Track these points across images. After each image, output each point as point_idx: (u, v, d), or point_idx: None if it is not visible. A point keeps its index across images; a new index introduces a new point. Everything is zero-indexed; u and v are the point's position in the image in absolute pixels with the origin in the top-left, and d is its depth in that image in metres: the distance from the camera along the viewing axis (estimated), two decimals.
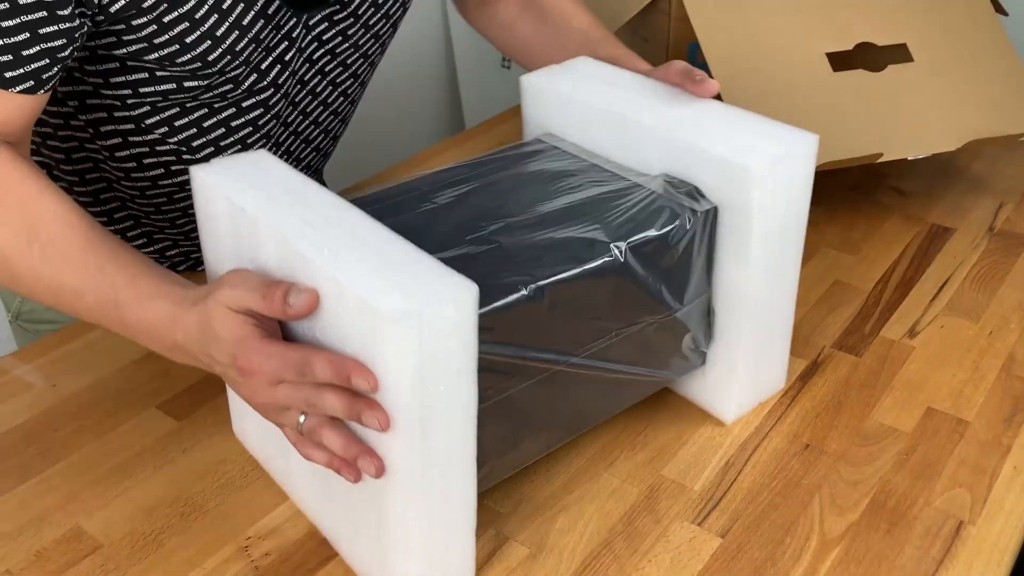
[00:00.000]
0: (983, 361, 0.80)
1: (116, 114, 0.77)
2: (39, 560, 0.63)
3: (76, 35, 0.65)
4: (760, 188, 0.64)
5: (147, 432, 0.73)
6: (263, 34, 0.74)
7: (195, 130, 0.79)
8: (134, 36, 0.69)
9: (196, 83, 0.74)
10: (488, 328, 0.54)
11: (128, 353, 0.81)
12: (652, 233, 0.63)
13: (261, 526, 0.65)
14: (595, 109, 0.73)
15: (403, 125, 1.94)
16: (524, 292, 0.57)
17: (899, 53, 0.99)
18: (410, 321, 0.48)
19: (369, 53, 0.87)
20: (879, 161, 0.94)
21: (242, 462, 0.70)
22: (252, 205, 0.58)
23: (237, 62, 0.74)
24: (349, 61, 0.85)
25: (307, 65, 0.82)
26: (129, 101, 0.76)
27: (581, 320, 0.62)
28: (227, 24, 0.71)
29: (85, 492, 0.68)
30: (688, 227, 0.65)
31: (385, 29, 0.86)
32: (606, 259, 0.61)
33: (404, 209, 0.67)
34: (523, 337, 0.58)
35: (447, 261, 0.53)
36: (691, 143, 0.67)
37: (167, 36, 0.69)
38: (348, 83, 0.88)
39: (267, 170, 0.62)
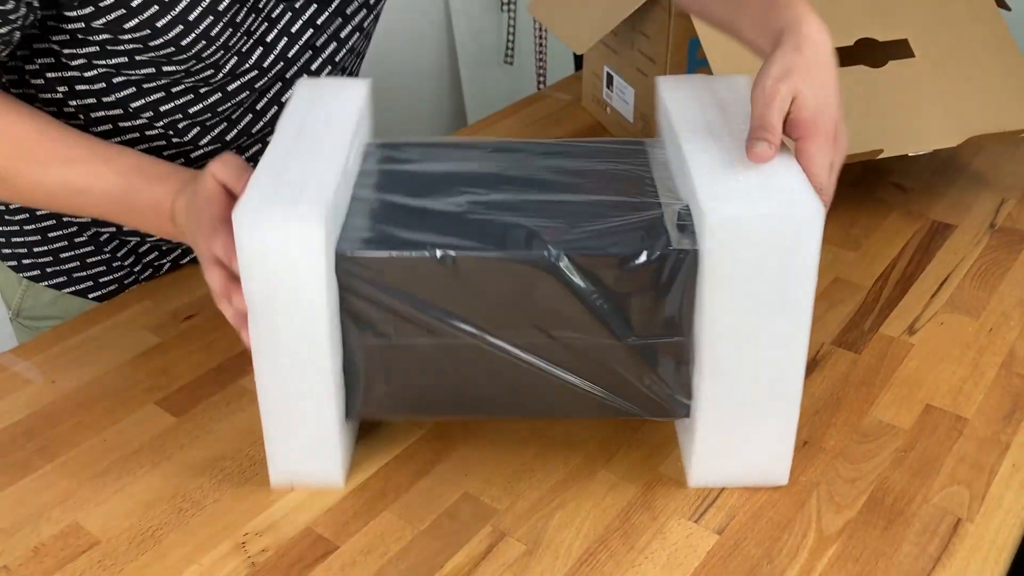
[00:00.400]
0: (983, 358, 0.80)
1: (104, 99, 0.77)
2: (37, 556, 0.63)
3: (12, 16, 0.66)
4: (713, 239, 0.59)
5: (145, 428, 0.73)
6: (239, 17, 0.74)
7: (180, 115, 0.79)
8: (104, 20, 0.69)
9: (175, 68, 0.74)
10: (393, 274, 0.61)
11: (127, 350, 0.81)
12: (607, 250, 0.61)
13: (258, 523, 0.65)
14: (673, 127, 0.71)
15: (405, 120, 1.94)
16: (429, 254, 0.61)
17: (900, 49, 0.99)
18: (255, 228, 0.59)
19: (364, 26, 0.86)
20: (880, 157, 0.94)
21: (240, 458, 0.71)
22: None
23: (214, 47, 0.74)
24: (343, 35, 0.85)
25: (295, 44, 0.81)
26: (115, 80, 0.76)
27: (507, 305, 0.62)
28: (200, 8, 0.71)
29: (83, 488, 0.68)
30: (647, 259, 0.61)
31: None
32: (535, 255, 0.61)
33: (441, 157, 0.72)
34: (432, 295, 0.62)
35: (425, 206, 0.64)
36: (696, 176, 0.63)
37: (137, 20, 0.70)
38: (343, 56, 0.87)
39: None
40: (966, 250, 0.95)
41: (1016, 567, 0.64)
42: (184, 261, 0.94)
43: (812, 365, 0.80)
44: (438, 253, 0.61)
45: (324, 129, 0.68)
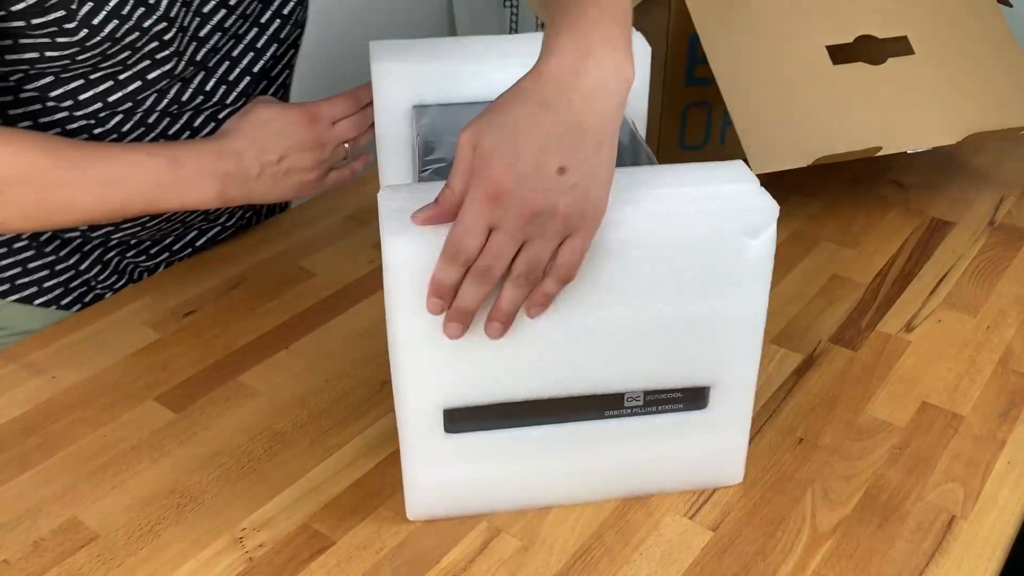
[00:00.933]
0: (980, 356, 0.80)
1: (21, 95, 0.75)
2: (36, 550, 0.64)
3: None
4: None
5: (144, 424, 0.74)
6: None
7: (100, 104, 0.77)
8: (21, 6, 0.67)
9: (91, 53, 0.72)
10: None
11: (126, 346, 0.82)
12: None
13: (255, 518, 0.66)
14: None
15: None
16: None
17: (900, 45, 0.99)
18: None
19: (285, 13, 0.84)
20: (879, 155, 0.94)
21: (238, 454, 0.71)
22: None
23: (126, 27, 0.72)
24: (263, 21, 0.83)
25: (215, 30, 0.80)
26: (30, 72, 0.74)
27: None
28: None
29: (82, 483, 0.69)
30: None
31: None
32: None
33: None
34: None
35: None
36: None
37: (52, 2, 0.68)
38: (266, 41, 0.84)
39: None
40: (965, 247, 0.95)
41: (1009, 564, 0.65)
42: (154, 255, 0.92)
43: (809, 362, 0.80)
44: None
45: None
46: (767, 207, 0.59)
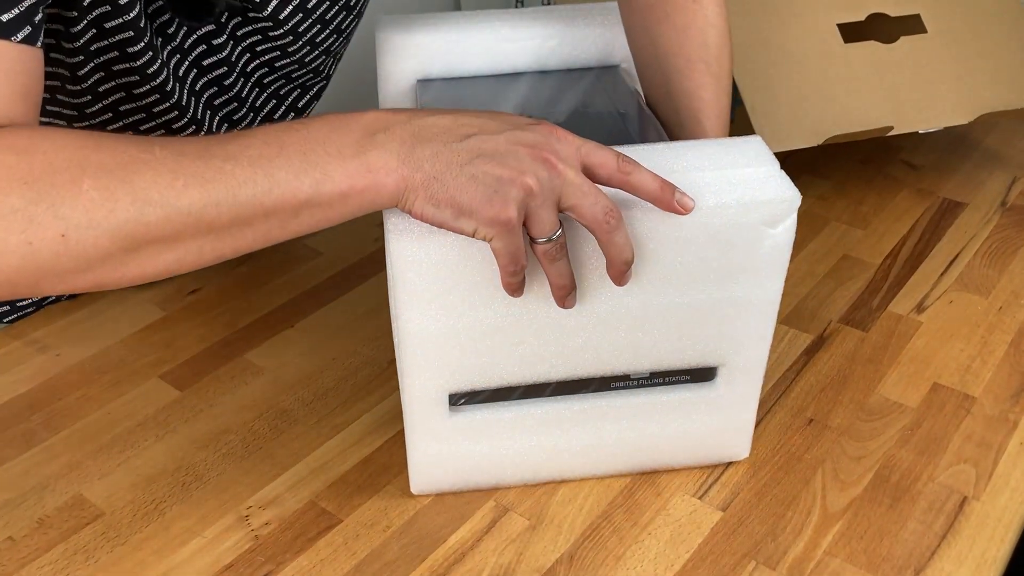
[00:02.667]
0: (992, 337, 0.79)
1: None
2: (41, 527, 0.63)
3: None
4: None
5: (150, 402, 0.73)
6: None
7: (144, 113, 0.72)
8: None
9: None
10: None
11: (132, 323, 0.81)
12: None
13: (261, 496, 0.65)
14: None
15: None
16: None
17: (912, 24, 0.98)
18: None
19: (320, 69, 0.80)
20: (890, 134, 0.93)
21: (244, 432, 0.71)
22: None
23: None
24: (294, 75, 0.79)
25: (241, 79, 0.76)
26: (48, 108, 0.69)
27: None
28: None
29: (87, 461, 0.68)
30: None
31: (338, 43, 0.79)
32: None
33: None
34: None
35: None
36: None
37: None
38: (295, 94, 0.81)
39: None
40: (976, 228, 0.94)
41: (1022, 546, 0.64)
42: None
43: (819, 343, 0.79)
44: None
45: None
46: (788, 197, 0.56)
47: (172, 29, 0.68)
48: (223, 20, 0.69)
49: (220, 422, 0.71)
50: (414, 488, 0.65)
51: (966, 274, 0.87)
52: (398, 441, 0.70)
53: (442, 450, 0.63)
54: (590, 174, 0.53)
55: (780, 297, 0.61)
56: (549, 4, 2.01)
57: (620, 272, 0.55)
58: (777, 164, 0.59)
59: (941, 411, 0.72)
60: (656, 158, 0.58)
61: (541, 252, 0.53)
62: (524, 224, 0.52)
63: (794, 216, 0.57)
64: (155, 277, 0.51)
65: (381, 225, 0.92)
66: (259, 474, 0.67)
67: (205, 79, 0.73)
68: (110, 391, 0.74)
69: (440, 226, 0.52)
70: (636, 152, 0.58)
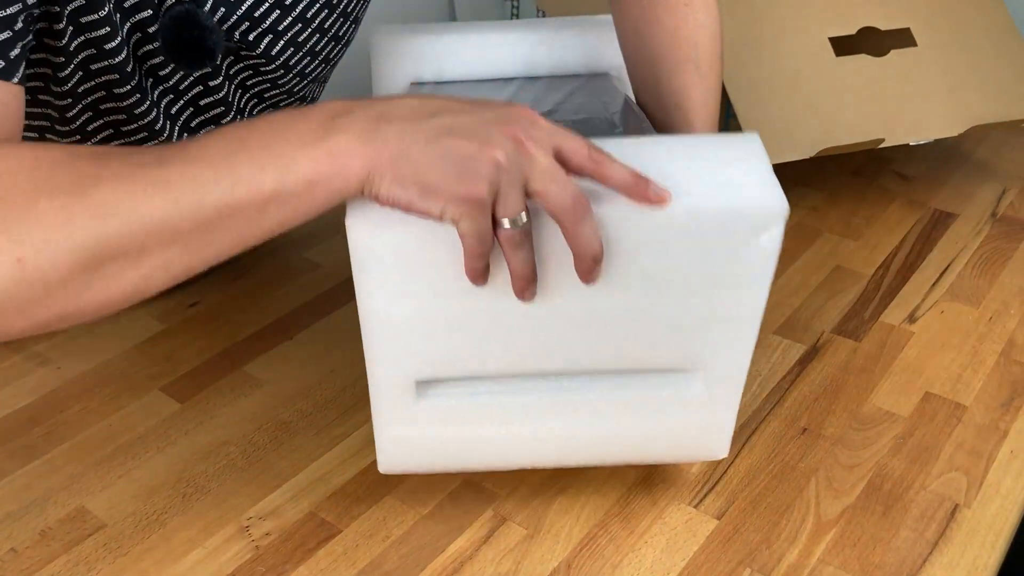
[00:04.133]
0: (982, 346, 0.80)
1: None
2: (44, 539, 0.64)
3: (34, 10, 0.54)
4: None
5: (150, 414, 0.74)
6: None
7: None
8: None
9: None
10: None
11: (132, 336, 0.82)
12: None
13: (262, 507, 0.66)
14: None
15: None
16: None
17: (903, 37, 0.99)
18: None
19: (306, 96, 0.80)
20: (881, 146, 0.94)
21: (244, 444, 0.71)
22: None
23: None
24: (282, 104, 0.79)
25: (237, 117, 0.76)
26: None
27: None
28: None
29: (89, 473, 0.69)
30: None
31: (326, 70, 0.79)
32: None
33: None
34: None
35: None
36: None
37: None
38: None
39: None
40: (967, 239, 0.95)
41: (1012, 552, 0.65)
42: None
43: (812, 353, 0.80)
44: None
45: None
46: (775, 207, 0.53)
47: (166, 71, 0.68)
48: (218, 62, 0.70)
49: (220, 434, 0.72)
50: (381, 468, 0.64)
51: (957, 284, 0.88)
52: None
53: (410, 433, 0.62)
54: (561, 161, 0.50)
55: (764, 307, 0.58)
56: (543, 16, 2.03)
57: (587, 268, 0.52)
58: (769, 168, 0.56)
59: (933, 420, 0.73)
60: (642, 151, 0.55)
61: (505, 238, 0.50)
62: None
63: (781, 226, 0.54)
64: (121, 302, 0.48)
65: None
66: (259, 485, 0.68)
67: (202, 118, 0.73)
68: (111, 404, 0.75)
69: (407, 209, 0.48)
70: (623, 145, 0.55)
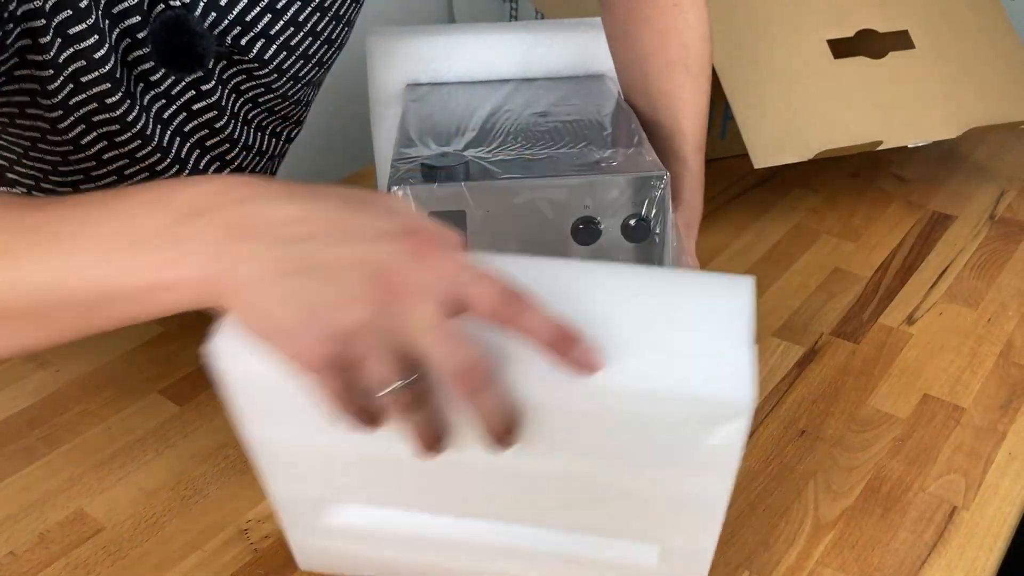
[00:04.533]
0: (981, 348, 0.81)
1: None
2: (43, 542, 0.64)
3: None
4: None
5: (149, 417, 0.74)
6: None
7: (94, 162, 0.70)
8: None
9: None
10: None
11: (131, 339, 0.82)
12: None
13: (261, 510, 0.66)
14: None
15: None
16: None
17: (901, 40, 0.99)
18: None
19: (300, 100, 0.79)
20: (879, 148, 0.94)
21: (243, 447, 0.71)
22: None
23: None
24: (277, 108, 0.78)
25: (232, 121, 0.75)
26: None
27: None
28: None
29: (88, 475, 0.69)
30: None
31: (319, 74, 0.78)
32: None
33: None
34: None
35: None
36: None
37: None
38: (280, 125, 0.80)
39: None
40: (966, 241, 0.95)
41: (1011, 554, 0.65)
42: None
43: (811, 355, 0.80)
44: None
45: None
46: (739, 401, 0.42)
47: (157, 76, 0.68)
48: (210, 66, 0.70)
49: (219, 436, 0.72)
50: (300, 567, 0.59)
51: (955, 286, 0.88)
52: None
53: (321, 543, 0.55)
54: (465, 310, 0.41)
55: (728, 494, 0.48)
56: (542, 18, 2.03)
57: (496, 441, 0.43)
58: (749, 334, 0.44)
59: (931, 422, 0.73)
60: (599, 287, 0.45)
61: (386, 402, 0.41)
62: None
63: (743, 422, 0.43)
64: None
65: None
66: (258, 488, 0.67)
67: (195, 122, 0.73)
68: (110, 406, 0.75)
69: (256, 342, 0.41)
70: (579, 275, 0.46)
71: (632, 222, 0.61)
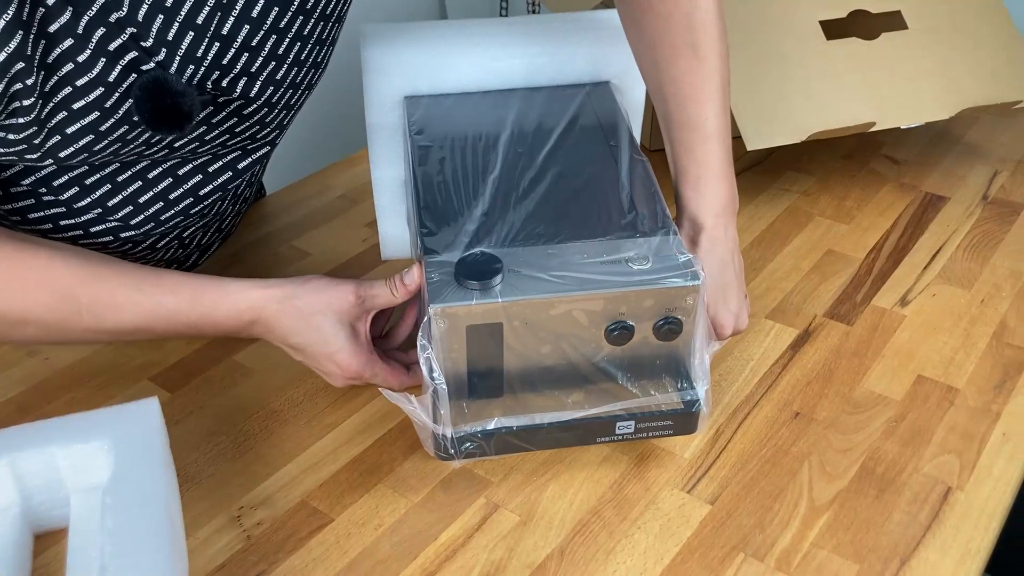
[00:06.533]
0: (974, 329, 0.80)
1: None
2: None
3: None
4: None
5: None
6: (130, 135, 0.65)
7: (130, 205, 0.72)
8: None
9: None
10: None
11: None
12: None
13: (253, 496, 0.66)
14: None
15: None
16: None
17: (894, 20, 0.99)
18: None
19: (285, 123, 0.77)
20: (873, 130, 0.94)
21: (234, 433, 0.71)
22: None
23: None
24: (260, 136, 0.75)
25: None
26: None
27: None
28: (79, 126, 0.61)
29: None
30: None
31: (307, 96, 0.76)
32: None
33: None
34: None
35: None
36: None
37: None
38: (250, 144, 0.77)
39: None
40: (959, 222, 0.95)
41: (1004, 534, 0.65)
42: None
43: (804, 337, 0.80)
44: None
45: None
46: None
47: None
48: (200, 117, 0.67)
49: (211, 423, 0.72)
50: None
51: (949, 267, 0.88)
52: (388, 440, 0.70)
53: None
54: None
55: None
56: (536, 10, 2.02)
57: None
58: None
59: (925, 403, 0.73)
60: None
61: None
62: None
63: None
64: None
65: (369, 226, 0.93)
66: (250, 474, 0.67)
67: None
68: (99, 394, 0.74)
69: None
70: None
71: (664, 326, 0.61)
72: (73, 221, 0.71)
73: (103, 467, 0.59)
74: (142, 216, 0.72)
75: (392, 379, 0.70)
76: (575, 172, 0.69)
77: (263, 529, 0.63)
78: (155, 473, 0.58)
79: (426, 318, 0.58)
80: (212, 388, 0.75)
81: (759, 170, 1.04)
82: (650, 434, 0.64)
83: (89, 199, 0.70)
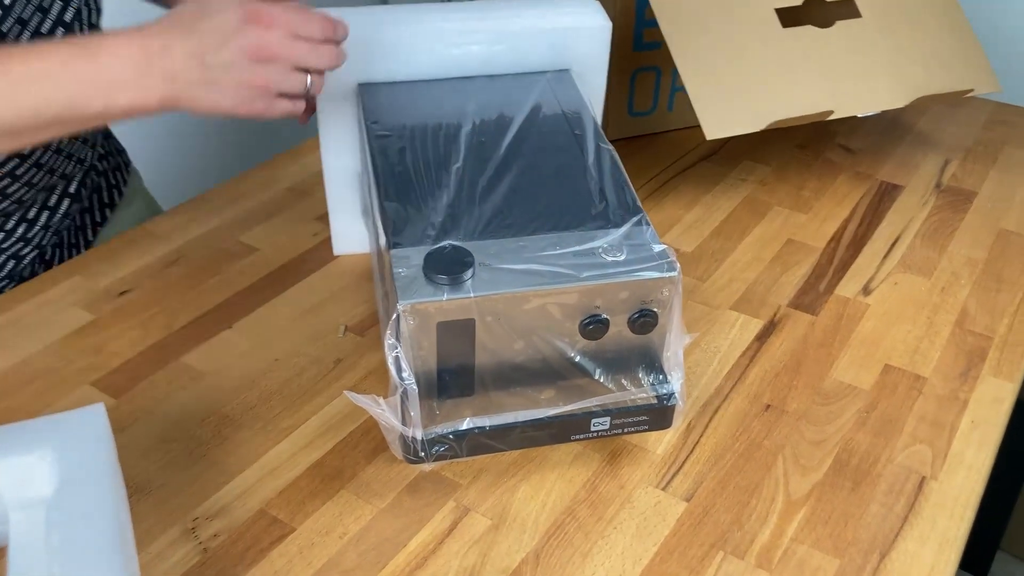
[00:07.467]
0: (937, 317, 0.80)
1: None
2: None
3: None
4: None
5: None
6: None
7: None
8: None
9: None
10: None
11: (58, 328, 0.76)
12: None
13: (208, 506, 0.62)
14: None
15: None
16: None
17: (847, 9, 0.98)
18: None
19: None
20: (830, 119, 0.93)
21: (186, 440, 0.67)
22: None
23: None
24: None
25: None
26: None
27: None
28: None
29: None
30: None
31: None
32: None
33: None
34: None
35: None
36: None
37: None
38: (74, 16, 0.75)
39: None
40: (915, 210, 0.95)
41: (978, 521, 0.65)
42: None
43: (770, 327, 0.79)
44: None
45: None
46: None
47: None
48: None
49: (160, 430, 0.68)
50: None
51: (908, 256, 0.88)
52: (350, 444, 0.67)
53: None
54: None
55: None
56: None
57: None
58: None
59: (894, 392, 0.72)
60: None
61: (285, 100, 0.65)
62: None
63: None
64: None
65: (319, 219, 0.90)
66: (204, 483, 0.64)
67: None
68: (37, 401, 0.70)
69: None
70: None
71: (640, 318, 0.59)
72: None
73: (46, 480, 0.55)
74: None
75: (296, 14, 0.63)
76: (542, 162, 0.67)
77: (220, 541, 0.60)
78: (103, 485, 0.54)
79: (395, 315, 0.55)
80: (159, 392, 0.71)
81: (714, 160, 1.03)
82: (625, 430, 0.62)
83: None
